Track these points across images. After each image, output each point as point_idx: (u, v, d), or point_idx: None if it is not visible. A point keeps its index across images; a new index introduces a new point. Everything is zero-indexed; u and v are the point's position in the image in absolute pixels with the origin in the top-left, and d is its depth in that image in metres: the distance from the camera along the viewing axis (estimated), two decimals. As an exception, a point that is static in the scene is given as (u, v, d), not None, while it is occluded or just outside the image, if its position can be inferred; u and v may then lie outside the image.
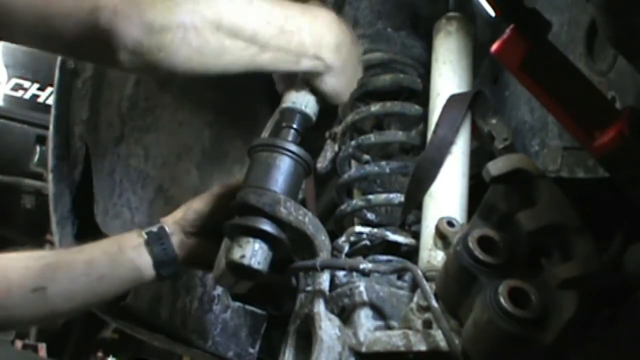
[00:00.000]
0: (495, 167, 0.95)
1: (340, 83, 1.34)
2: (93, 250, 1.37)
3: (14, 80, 3.23)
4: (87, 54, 1.25)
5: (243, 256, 1.20)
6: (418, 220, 1.28)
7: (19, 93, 3.22)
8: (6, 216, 3.19)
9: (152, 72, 1.34)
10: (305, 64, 1.29)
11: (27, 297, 1.30)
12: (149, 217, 1.68)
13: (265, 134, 1.39)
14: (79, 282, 1.34)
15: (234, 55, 1.23)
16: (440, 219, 1.09)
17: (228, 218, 1.30)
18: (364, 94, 1.41)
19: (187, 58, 1.19)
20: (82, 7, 1.11)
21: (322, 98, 1.34)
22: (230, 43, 1.21)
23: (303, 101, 1.34)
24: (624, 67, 0.97)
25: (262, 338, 1.74)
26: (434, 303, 1.06)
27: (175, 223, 1.39)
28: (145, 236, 1.36)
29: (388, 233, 1.30)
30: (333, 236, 1.31)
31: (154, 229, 1.38)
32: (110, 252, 1.36)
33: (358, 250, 1.30)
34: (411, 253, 1.29)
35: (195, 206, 1.41)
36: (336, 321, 1.17)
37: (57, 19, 1.12)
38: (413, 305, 1.16)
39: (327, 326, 1.15)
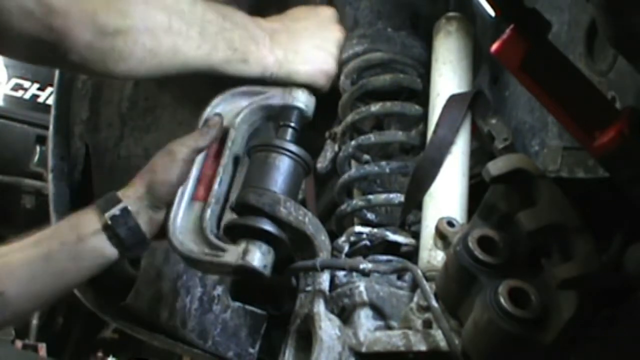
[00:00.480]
0: (495, 167, 0.95)
1: (300, 64, 1.36)
2: (50, 243, 1.27)
3: (14, 80, 3.23)
4: (40, 55, 1.20)
5: (265, 266, 1.21)
6: (418, 220, 1.28)
7: (19, 93, 3.22)
8: (6, 216, 3.18)
9: (106, 75, 1.34)
10: (253, 67, 1.32)
11: None
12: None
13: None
14: (39, 281, 1.25)
15: (187, 56, 1.25)
16: (440, 219, 1.09)
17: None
18: (364, 94, 1.41)
19: (141, 60, 1.19)
20: (38, 9, 1.10)
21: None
22: (182, 42, 1.23)
23: (303, 99, 1.35)
24: (624, 67, 0.97)
25: (262, 338, 1.74)
26: (434, 303, 1.07)
27: (139, 199, 1.29)
28: (109, 221, 1.25)
29: (388, 233, 1.30)
30: (333, 236, 1.31)
31: (117, 211, 1.26)
32: (69, 242, 1.26)
33: (358, 250, 1.30)
34: (411, 253, 1.29)
35: (160, 178, 1.30)
36: (336, 321, 1.17)
37: (15, 18, 1.10)
38: (413, 305, 1.16)
39: (327, 326, 1.15)
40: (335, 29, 1.43)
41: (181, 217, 1.29)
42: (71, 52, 1.13)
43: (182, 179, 1.31)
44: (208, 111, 1.37)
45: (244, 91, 1.39)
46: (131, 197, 1.29)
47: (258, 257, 1.20)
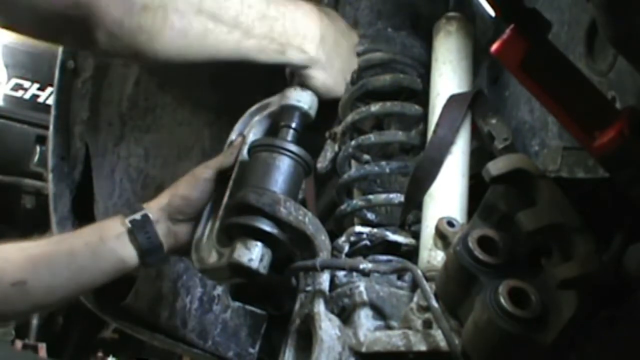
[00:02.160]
0: (495, 167, 0.95)
1: (328, 77, 1.35)
2: (74, 241, 1.32)
3: (14, 80, 3.23)
4: (66, 34, 1.19)
5: (251, 259, 1.20)
6: (418, 220, 1.28)
7: (19, 93, 3.22)
8: (6, 216, 3.18)
9: (134, 57, 1.30)
10: (291, 56, 1.28)
11: (7, 292, 1.25)
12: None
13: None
14: (60, 275, 1.29)
15: (218, 40, 1.21)
16: (440, 219, 1.09)
17: (216, 201, 1.30)
18: (364, 94, 1.41)
19: (170, 41, 1.17)
20: None
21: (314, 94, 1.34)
22: (213, 26, 1.19)
23: (306, 100, 1.35)
24: (624, 67, 0.97)
25: (262, 338, 1.74)
26: (434, 303, 1.06)
27: (160, 210, 1.34)
28: (129, 225, 1.31)
29: (388, 233, 1.30)
30: (333, 236, 1.31)
31: (138, 216, 1.31)
32: (92, 242, 1.30)
33: (358, 250, 1.30)
34: (411, 253, 1.29)
35: (182, 192, 1.35)
36: (336, 321, 1.17)
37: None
38: (413, 305, 1.16)
39: (327, 326, 1.15)
40: (355, 60, 1.42)
41: (199, 233, 1.33)
42: (99, 30, 1.10)
43: (204, 197, 1.35)
44: (232, 136, 1.41)
45: (258, 107, 1.42)
46: (154, 207, 1.34)
47: (245, 253, 1.20)
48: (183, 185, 1.36)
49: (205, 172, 1.36)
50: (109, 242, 1.30)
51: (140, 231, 1.30)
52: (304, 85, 1.35)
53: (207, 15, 1.18)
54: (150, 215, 1.32)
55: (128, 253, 1.31)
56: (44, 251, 1.30)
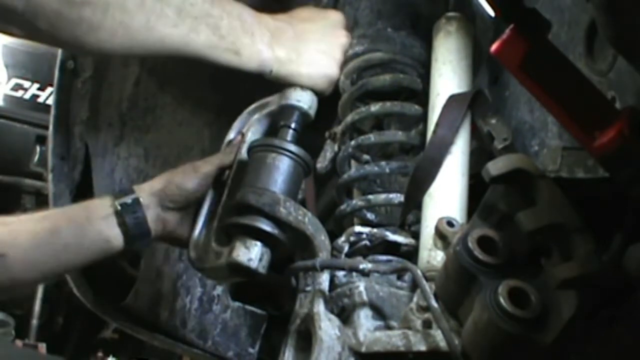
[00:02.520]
0: (495, 167, 0.95)
1: (303, 67, 1.34)
2: (58, 218, 1.29)
3: (14, 80, 3.23)
4: (11, 25, 1.17)
5: (250, 259, 1.20)
6: (418, 220, 1.28)
7: (19, 93, 3.23)
8: (6, 216, 3.18)
9: (78, 48, 1.28)
10: (246, 58, 1.28)
11: None
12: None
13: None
14: (42, 251, 1.25)
15: (163, 32, 1.21)
16: (440, 219, 1.09)
17: (214, 201, 1.31)
18: (363, 94, 1.41)
19: (112, 33, 1.15)
20: None
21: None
22: (155, 19, 1.19)
23: (306, 100, 1.34)
24: (624, 67, 0.97)
25: (262, 338, 1.74)
26: (434, 303, 1.06)
27: (152, 194, 1.31)
28: (119, 207, 1.28)
29: (388, 233, 1.30)
30: (333, 236, 1.31)
31: (128, 200, 1.29)
32: (77, 220, 1.28)
33: (358, 250, 1.30)
34: (411, 253, 1.29)
35: (178, 180, 1.33)
36: (336, 321, 1.17)
37: None
38: (413, 305, 1.16)
39: (327, 326, 1.15)
40: (342, 34, 1.41)
41: (198, 233, 1.32)
42: (40, 20, 1.10)
43: (199, 190, 1.33)
44: (230, 135, 1.40)
45: (256, 106, 1.41)
46: (146, 190, 1.32)
47: (244, 252, 1.20)
48: (180, 175, 1.34)
49: (206, 166, 1.35)
50: (95, 223, 1.27)
51: (129, 215, 1.28)
52: (296, 85, 1.35)
53: (148, 10, 1.18)
54: (141, 200, 1.30)
55: (114, 235, 1.27)
56: (28, 226, 1.27)
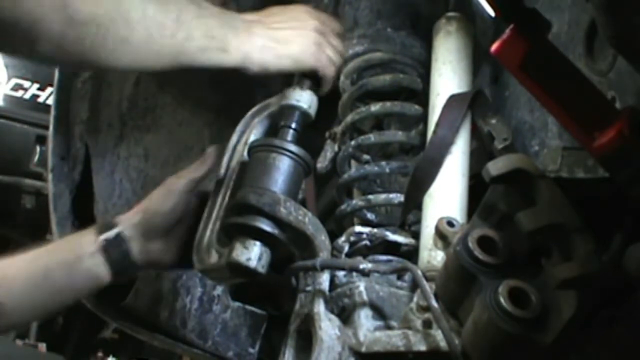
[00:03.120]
0: (495, 167, 0.95)
1: (284, 51, 1.33)
2: (49, 261, 1.32)
3: (14, 80, 3.23)
4: (10, 46, 1.17)
5: (249, 259, 1.20)
6: (418, 220, 1.28)
7: (19, 93, 3.22)
8: (6, 216, 3.18)
9: (79, 64, 1.30)
10: (234, 54, 1.27)
11: None
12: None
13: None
14: (36, 296, 1.30)
15: (162, 43, 1.20)
16: (440, 219, 1.09)
17: (197, 213, 1.31)
18: (364, 94, 1.41)
19: (113, 50, 1.15)
20: None
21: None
22: (156, 30, 1.19)
23: (305, 99, 1.34)
24: (624, 67, 0.97)
25: (262, 338, 1.74)
26: (434, 303, 1.06)
27: (134, 226, 1.34)
28: (103, 242, 1.31)
29: (388, 233, 1.30)
30: (333, 236, 1.31)
31: (112, 235, 1.32)
32: (67, 261, 1.31)
33: (358, 250, 1.30)
34: (411, 253, 1.29)
35: (155, 207, 1.35)
36: (336, 321, 1.17)
37: None
38: (413, 305, 1.16)
39: (327, 326, 1.15)
40: (310, 17, 1.39)
41: (200, 234, 1.33)
42: (41, 42, 1.09)
43: (177, 210, 1.35)
44: (234, 138, 1.40)
45: (258, 109, 1.42)
46: (127, 223, 1.34)
47: (244, 252, 1.20)
48: (154, 199, 1.36)
49: (177, 183, 1.37)
50: (84, 261, 1.31)
51: (114, 250, 1.31)
52: (298, 85, 1.35)
53: (150, 21, 1.18)
54: (124, 233, 1.33)
55: (102, 271, 1.31)
56: (20, 272, 1.30)
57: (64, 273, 1.30)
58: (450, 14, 1.34)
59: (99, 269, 1.31)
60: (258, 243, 1.21)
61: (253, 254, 1.20)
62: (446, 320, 1.03)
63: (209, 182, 1.39)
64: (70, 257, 1.31)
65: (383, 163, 1.37)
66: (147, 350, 3.10)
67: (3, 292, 1.27)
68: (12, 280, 1.28)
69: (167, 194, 1.36)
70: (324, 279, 1.22)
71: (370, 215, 1.38)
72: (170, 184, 1.37)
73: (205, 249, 1.30)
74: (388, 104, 1.38)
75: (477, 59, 1.34)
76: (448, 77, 1.30)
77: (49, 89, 3.15)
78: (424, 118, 1.35)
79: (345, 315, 1.21)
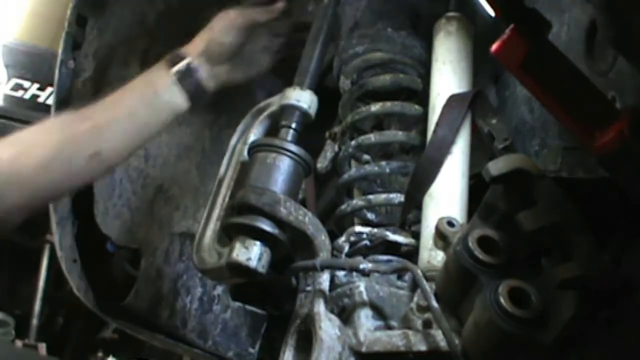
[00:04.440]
0: (495, 167, 0.95)
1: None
2: (131, 101, 1.40)
3: (14, 80, 3.23)
4: None
5: (249, 259, 1.20)
6: (418, 220, 1.28)
7: (19, 93, 3.22)
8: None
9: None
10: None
11: (85, 165, 1.34)
12: (149, 217, 1.68)
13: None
14: (127, 136, 1.39)
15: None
16: (440, 219, 1.09)
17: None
18: (364, 94, 1.41)
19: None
20: None
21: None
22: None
23: (306, 100, 1.34)
24: (624, 67, 0.97)
25: (262, 338, 1.74)
26: (434, 303, 1.06)
27: (199, 55, 1.43)
28: (176, 75, 1.40)
29: (388, 233, 1.30)
30: (333, 236, 1.31)
31: (182, 67, 1.41)
32: (148, 98, 1.40)
33: (358, 250, 1.30)
34: (411, 253, 1.29)
35: (216, 37, 1.44)
36: (336, 321, 1.17)
37: None
38: (413, 305, 1.16)
39: (327, 326, 1.15)
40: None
41: (200, 234, 1.33)
42: None
43: (235, 46, 1.45)
44: (234, 138, 1.43)
45: (259, 108, 1.42)
46: (193, 53, 1.44)
47: (244, 252, 1.20)
48: (216, 31, 1.45)
49: (239, 19, 1.45)
50: (162, 95, 1.40)
51: (187, 79, 1.41)
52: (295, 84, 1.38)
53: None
54: (193, 63, 1.42)
55: (180, 101, 1.41)
56: (107, 117, 1.38)
57: (147, 110, 1.40)
58: (450, 14, 1.34)
59: (177, 98, 1.41)
60: (258, 243, 1.21)
61: (253, 254, 1.20)
62: (446, 320, 1.03)
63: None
64: (149, 94, 1.41)
65: (383, 163, 1.37)
66: (147, 350, 3.09)
67: (97, 140, 1.35)
68: (102, 128, 1.36)
69: (229, 27, 1.45)
70: (324, 279, 1.22)
71: (370, 215, 1.38)
72: (232, 18, 1.46)
73: (206, 248, 1.30)
74: (388, 104, 1.38)
75: (477, 59, 1.34)
76: (448, 77, 1.30)
77: (49, 89, 3.15)
78: (424, 118, 1.35)
79: (345, 315, 1.21)
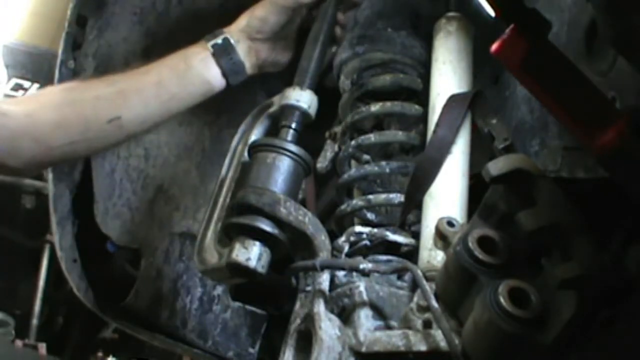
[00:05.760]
0: (495, 167, 0.95)
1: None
2: (161, 70, 1.37)
3: (14, 80, 3.23)
4: None
5: (249, 259, 1.20)
6: (418, 220, 1.28)
7: (19, 93, 3.22)
8: (6, 216, 3.18)
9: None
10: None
11: (104, 128, 1.31)
12: (149, 217, 1.68)
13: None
14: (151, 105, 1.35)
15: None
16: (440, 219, 1.09)
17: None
18: (364, 94, 1.41)
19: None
20: None
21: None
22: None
23: (306, 100, 1.34)
24: (624, 67, 0.97)
25: (262, 338, 1.74)
26: (434, 303, 1.06)
27: (240, 31, 1.41)
28: (211, 48, 1.37)
29: (388, 233, 1.30)
30: (333, 236, 1.31)
31: (219, 40, 1.38)
32: (179, 69, 1.36)
33: (358, 250, 1.30)
34: (411, 253, 1.29)
35: (259, 14, 1.42)
36: (336, 321, 1.17)
37: None
38: (413, 305, 1.16)
39: (327, 326, 1.15)
40: None
41: (201, 235, 1.33)
42: None
43: (280, 21, 1.43)
44: (235, 139, 1.42)
45: (260, 109, 1.42)
46: (233, 29, 1.42)
47: (243, 252, 1.20)
48: (260, 9, 1.42)
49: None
50: (194, 67, 1.36)
51: (222, 53, 1.38)
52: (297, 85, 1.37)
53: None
54: (230, 38, 1.39)
55: (213, 75, 1.37)
56: (133, 84, 1.35)
57: (176, 81, 1.36)
58: (450, 14, 1.34)
59: (210, 72, 1.37)
60: (258, 243, 1.21)
61: (253, 254, 1.20)
62: (446, 320, 1.03)
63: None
64: (181, 66, 1.36)
65: (383, 163, 1.37)
66: (147, 350, 3.09)
67: (119, 105, 1.32)
68: (126, 93, 1.34)
69: (273, 7, 1.42)
70: (324, 279, 1.22)
71: (370, 215, 1.38)
72: None
73: (207, 249, 1.30)
74: (388, 104, 1.38)
75: (477, 59, 1.34)
76: (448, 77, 1.30)
77: (49, 89, 3.14)
78: (424, 118, 1.35)
79: (345, 315, 1.21)
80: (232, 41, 1.39)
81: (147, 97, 1.34)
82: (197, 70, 1.37)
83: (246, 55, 1.41)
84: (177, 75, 1.36)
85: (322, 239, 1.24)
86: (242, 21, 1.42)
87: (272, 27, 1.42)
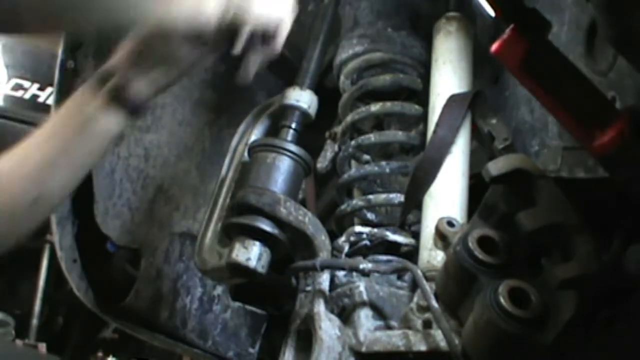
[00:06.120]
0: (495, 167, 0.95)
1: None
2: (64, 137, 1.26)
3: (14, 80, 3.22)
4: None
5: (249, 259, 1.20)
6: (418, 220, 1.28)
7: (19, 93, 3.22)
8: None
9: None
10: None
11: (28, 211, 1.25)
12: (149, 217, 1.68)
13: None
14: (65, 176, 1.27)
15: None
16: (440, 219, 1.09)
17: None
18: (364, 94, 1.41)
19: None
20: None
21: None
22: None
23: (306, 100, 1.34)
24: (624, 67, 0.97)
25: (262, 338, 1.74)
26: (434, 303, 1.06)
27: (129, 65, 1.24)
28: (106, 96, 1.22)
29: (388, 233, 1.30)
30: (333, 236, 1.31)
31: (112, 85, 1.23)
32: (81, 129, 1.25)
33: (358, 250, 1.30)
34: (411, 253, 1.29)
35: (147, 42, 1.23)
36: (336, 321, 1.17)
37: None
38: (413, 305, 1.16)
39: (327, 326, 1.15)
40: None
41: (202, 235, 1.33)
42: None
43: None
44: (235, 139, 1.41)
45: (260, 109, 1.42)
46: (120, 65, 1.25)
47: (243, 252, 1.20)
48: (145, 36, 1.26)
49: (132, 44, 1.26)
50: (97, 122, 1.24)
51: (120, 97, 1.23)
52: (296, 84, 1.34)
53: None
54: (122, 77, 1.24)
55: (117, 122, 1.25)
56: (44, 157, 1.27)
57: (82, 142, 1.26)
58: (450, 14, 1.34)
59: (113, 120, 1.25)
60: (258, 243, 1.21)
61: (253, 254, 1.20)
62: (446, 320, 1.03)
63: None
64: (82, 124, 1.25)
65: (383, 163, 1.37)
66: (147, 350, 3.09)
67: (38, 185, 1.25)
68: (42, 170, 1.26)
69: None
70: (324, 279, 1.22)
71: (370, 215, 1.38)
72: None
73: (207, 249, 1.30)
74: (388, 104, 1.38)
75: (477, 58, 1.34)
76: (448, 77, 1.30)
77: (49, 89, 3.14)
78: (424, 118, 1.35)
79: (345, 315, 1.21)
80: (124, 80, 1.23)
81: (60, 171, 1.26)
82: (100, 125, 1.24)
83: (144, 88, 1.24)
84: (82, 137, 1.25)
85: (322, 239, 1.24)
86: (128, 54, 1.25)
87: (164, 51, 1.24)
